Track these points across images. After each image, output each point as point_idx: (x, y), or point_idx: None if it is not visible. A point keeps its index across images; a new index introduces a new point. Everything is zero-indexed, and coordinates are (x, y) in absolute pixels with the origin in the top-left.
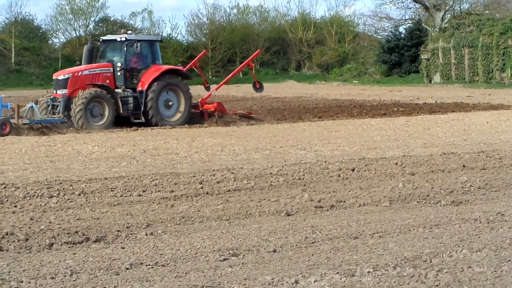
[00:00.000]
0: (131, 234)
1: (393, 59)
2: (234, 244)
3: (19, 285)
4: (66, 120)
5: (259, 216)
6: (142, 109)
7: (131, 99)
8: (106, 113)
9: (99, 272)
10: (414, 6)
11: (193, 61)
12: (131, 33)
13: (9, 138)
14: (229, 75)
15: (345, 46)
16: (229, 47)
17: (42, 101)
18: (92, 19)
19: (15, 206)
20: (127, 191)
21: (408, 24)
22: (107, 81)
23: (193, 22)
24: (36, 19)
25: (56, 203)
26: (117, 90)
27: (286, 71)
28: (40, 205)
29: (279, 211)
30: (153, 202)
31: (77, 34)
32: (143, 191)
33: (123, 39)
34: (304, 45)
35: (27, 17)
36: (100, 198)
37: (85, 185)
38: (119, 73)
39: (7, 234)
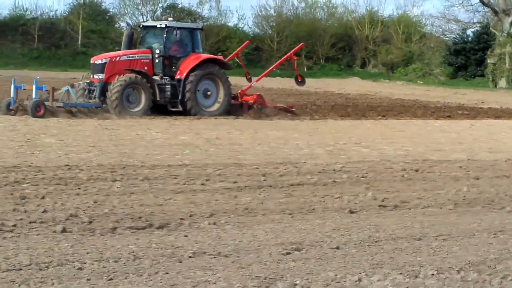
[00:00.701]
0: (194, 222)
1: (459, 61)
2: (297, 238)
3: (82, 266)
4: (101, 105)
5: (322, 212)
6: (180, 97)
7: (168, 87)
8: (143, 99)
9: (162, 258)
10: (483, 10)
11: (235, 51)
12: (172, 20)
13: (73, 120)
14: (270, 68)
15: (411, 46)
16: (295, 40)
17: (79, 85)
18: (160, 5)
19: (79, 188)
20: (191, 179)
21: (476, 28)
22: (145, 68)
23: (260, 13)
24: (104, 2)
25: (120, 187)
26: (155, 77)
27: (351, 68)
28: (104, 188)
29: (343, 208)
30: (217, 192)
31: (144, 19)
32: (207, 180)
33: (163, 25)
34: (370, 42)
35: (95, 0)
36: (163, 185)
37: (149, 171)
38: (157, 60)
39: (71, 216)
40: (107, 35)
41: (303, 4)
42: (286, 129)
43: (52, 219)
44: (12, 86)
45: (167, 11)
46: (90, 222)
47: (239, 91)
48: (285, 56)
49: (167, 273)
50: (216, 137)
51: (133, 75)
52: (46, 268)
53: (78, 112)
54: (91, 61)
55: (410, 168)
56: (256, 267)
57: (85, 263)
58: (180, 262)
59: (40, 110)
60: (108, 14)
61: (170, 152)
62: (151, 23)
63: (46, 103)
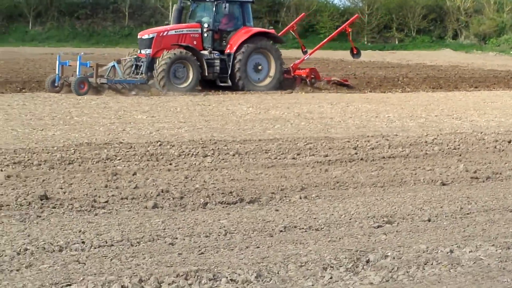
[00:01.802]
0: (285, 196)
1: None
2: (389, 211)
3: (173, 241)
4: (147, 81)
5: (413, 184)
6: (230, 72)
7: (217, 62)
8: (190, 75)
9: (253, 233)
10: None
11: (291, 24)
12: None
13: (164, 97)
14: (324, 41)
15: (503, 16)
16: (386, 13)
17: (126, 61)
18: None
19: (170, 164)
20: (281, 154)
21: None
22: (194, 42)
23: None
24: None
25: (211, 162)
26: (203, 52)
27: (443, 39)
28: (195, 164)
29: (434, 180)
30: (307, 166)
31: None
32: (297, 154)
33: None
34: (461, 13)
35: None
36: (254, 160)
37: (240, 146)
38: (206, 34)
39: (162, 192)
40: None
41: None
42: (377, 102)
43: (143, 195)
44: (57, 62)
45: None
46: (181, 198)
47: (292, 65)
48: (340, 28)
49: (258, 247)
50: (307, 111)
51: (180, 50)
52: (137, 243)
53: (123, 89)
54: (138, 36)
55: (502, 139)
56: (347, 240)
57: (176, 239)
58: (271, 236)
59: (84, 87)
60: None
61: (261, 126)
62: None
63: (90, 79)
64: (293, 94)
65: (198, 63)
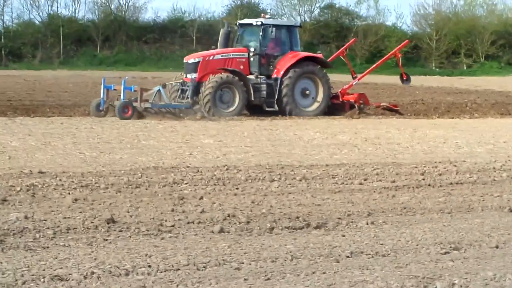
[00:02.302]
0: (351, 222)
1: None
2: (456, 237)
3: (239, 266)
4: (192, 105)
5: (481, 210)
6: (276, 96)
7: (264, 86)
8: (237, 100)
9: (319, 258)
10: None
11: (341, 49)
12: (269, 17)
13: (232, 121)
14: (373, 66)
15: None
16: (454, 38)
17: (172, 85)
18: (317, 5)
19: (237, 189)
20: (348, 179)
21: None
22: (241, 67)
23: (418, 12)
24: (262, 3)
25: (278, 187)
26: (250, 76)
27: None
28: (262, 188)
29: (502, 206)
30: (374, 191)
31: (302, 19)
32: (365, 180)
33: (259, 23)
34: None
35: (253, 1)
36: (321, 185)
37: (306, 171)
38: (252, 59)
39: (229, 216)
40: None
41: (462, 2)
42: (445, 127)
43: (210, 220)
44: (102, 86)
45: (325, 11)
46: (248, 222)
47: (340, 90)
48: (390, 54)
49: (324, 272)
50: (374, 136)
51: (226, 75)
52: (203, 268)
53: (168, 113)
54: (184, 60)
55: None
56: (414, 267)
57: (243, 263)
58: (338, 262)
59: (128, 111)
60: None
61: (328, 151)
62: (247, 20)
63: (135, 103)
64: (360, 119)
65: (245, 88)
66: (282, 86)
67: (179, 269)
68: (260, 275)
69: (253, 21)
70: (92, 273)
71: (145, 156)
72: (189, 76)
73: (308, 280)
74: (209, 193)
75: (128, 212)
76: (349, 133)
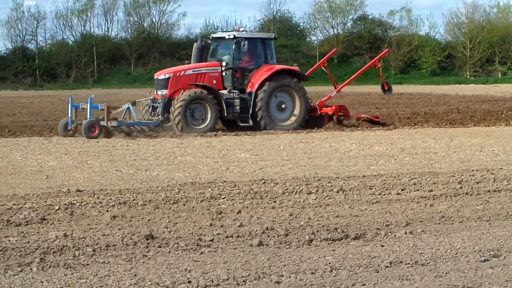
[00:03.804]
0: (390, 232)
1: None
2: (495, 245)
3: (279, 279)
4: (161, 122)
5: None
6: (251, 111)
7: (237, 101)
8: (209, 115)
9: (358, 269)
10: None
11: (321, 60)
12: (243, 31)
13: (268, 135)
14: (352, 76)
15: None
16: (488, 46)
17: (143, 102)
18: (350, 17)
19: (275, 202)
20: (386, 189)
21: None
22: (214, 81)
23: (451, 21)
24: (295, 17)
25: (315, 199)
26: (223, 91)
27: None
28: (299, 201)
29: None
30: (412, 201)
31: (335, 32)
32: (402, 190)
33: (231, 36)
34: None
35: (285, 15)
36: (358, 196)
37: (344, 182)
38: (224, 73)
39: (267, 229)
40: (299, 49)
41: (495, 10)
42: (481, 135)
43: (248, 233)
44: (70, 105)
45: (358, 22)
46: (286, 235)
47: (318, 102)
48: (369, 64)
49: (364, 284)
50: (410, 146)
51: (197, 90)
52: (243, 282)
53: (138, 132)
54: (155, 77)
55: None
56: (454, 275)
57: (282, 276)
58: (377, 272)
59: (94, 130)
60: (299, 29)
61: (365, 162)
62: (220, 34)
63: (102, 122)
64: (396, 130)
65: (217, 103)
66: (257, 100)
67: (219, 284)
68: (300, 287)
69: (225, 34)
70: None
71: (182, 172)
72: (159, 92)
73: None
74: (247, 207)
75: (167, 227)
76: (385, 144)
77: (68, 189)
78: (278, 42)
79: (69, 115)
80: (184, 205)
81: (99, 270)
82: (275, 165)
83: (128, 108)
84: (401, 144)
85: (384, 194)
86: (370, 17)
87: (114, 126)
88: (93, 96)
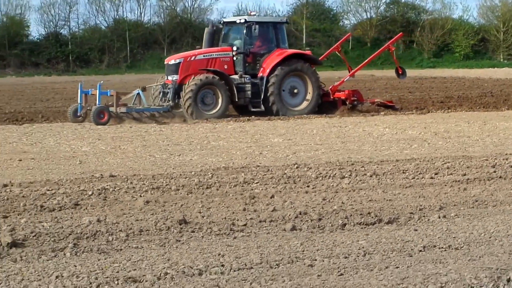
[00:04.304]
0: (423, 216)
1: None
2: None
3: (312, 263)
4: (170, 108)
5: None
6: (262, 96)
7: (249, 86)
8: (220, 101)
9: (392, 253)
10: None
11: (335, 45)
12: (254, 15)
13: (301, 120)
14: (366, 61)
15: None
16: None
17: (153, 88)
18: (383, 0)
19: (308, 186)
20: (419, 174)
21: None
22: (225, 67)
23: (485, 4)
24: (328, 1)
25: (348, 184)
26: (234, 76)
27: None
28: (332, 185)
29: None
30: (446, 185)
31: (368, 15)
32: (435, 174)
33: (242, 21)
34: None
35: None
36: (392, 180)
37: (377, 167)
38: (235, 58)
39: (300, 214)
40: (331, 33)
41: None
42: None
43: (281, 218)
44: (79, 91)
45: (391, 6)
46: (320, 219)
47: (331, 87)
48: (383, 47)
49: (397, 267)
50: (444, 130)
51: (208, 75)
52: (276, 266)
53: (147, 118)
54: (165, 62)
55: None
56: (488, 259)
57: (315, 260)
58: (411, 256)
59: (103, 116)
60: (332, 12)
61: (398, 147)
62: (231, 18)
63: (111, 109)
64: (430, 114)
65: (227, 88)
66: (268, 85)
67: (252, 268)
68: (333, 271)
69: (236, 19)
70: (166, 274)
71: (215, 156)
72: (170, 78)
73: (382, 274)
74: (280, 191)
75: (200, 212)
76: (419, 128)
77: (101, 175)
78: (311, 26)
79: (79, 101)
80: (217, 190)
81: (132, 255)
82: (308, 149)
83: (138, 94)
84: (435, 128)
85: (418, 178)
86: (403, 0)
87: (123, 112)
88: (102, 82)
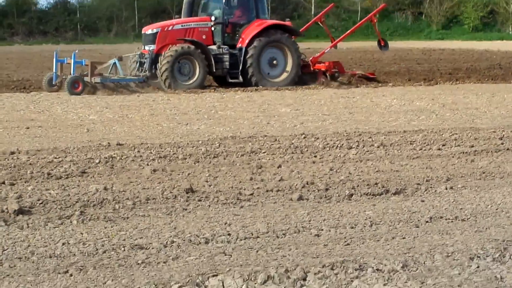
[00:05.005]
0: (430, 187)
1: None
2: None
3: (319, 233)
4: (146, 79)
5: None
6: (241, 67)
7: (226, 57)
8: (197, 71)
9: (398, 224)
10: None
11: (319, 15)
12: None
13: (308, 90)
14: (347, 32)
15: None
16: None
17: (130, 58)
18: None
19: (315, 156)
20: (426, 145)
21: None
22: (204, 37)
23: None
24: None
25: (355, 154)
26: (212, 46)
27: None
28: (340, 156)
29: None
30: (453, 157)
31: None
32: (443, 145)
33: None
34: None
35: None
36: (399, 151)
37: (384, 138)
38: (213, 28)
39: (307, 184)
40: (340, 4)
41: None
42: None
43: (288, 187)
44: (54, 60)
45: None
46: (327, 190)
47: (311, 58)
48: (365, 19)
49: (404, 237)
50: (452, 102)
51: (185, 45)
52: (283, 235)
53: (122, 88)
54: (142, 31)
55: None
56: (494, 230)
57: (322, 230)
58: (417, 227)
59: (78, 86)
60: None
61: (406, 118)
62: None
63: (86, 78)
64: (438, 85)
65: (205, 59)
66: (247, 57)
67: (258, 237)
68: (340, 241)
69: None
70: (172, 242)
71: (223, 126)
72: (147, 48)
73: (388, 244)
74: (287, 161)
75: (207, 181)
76: (427, 99)
77: (108, 143)
78: None
79: (54, 70)
80: (224, 159)
81: (139, 223)
82: (316, 120)
83: (115, 63)
84: (443, 100)
85: (425, 150)
86: None
87: (98, 82)
88: (77, 51)
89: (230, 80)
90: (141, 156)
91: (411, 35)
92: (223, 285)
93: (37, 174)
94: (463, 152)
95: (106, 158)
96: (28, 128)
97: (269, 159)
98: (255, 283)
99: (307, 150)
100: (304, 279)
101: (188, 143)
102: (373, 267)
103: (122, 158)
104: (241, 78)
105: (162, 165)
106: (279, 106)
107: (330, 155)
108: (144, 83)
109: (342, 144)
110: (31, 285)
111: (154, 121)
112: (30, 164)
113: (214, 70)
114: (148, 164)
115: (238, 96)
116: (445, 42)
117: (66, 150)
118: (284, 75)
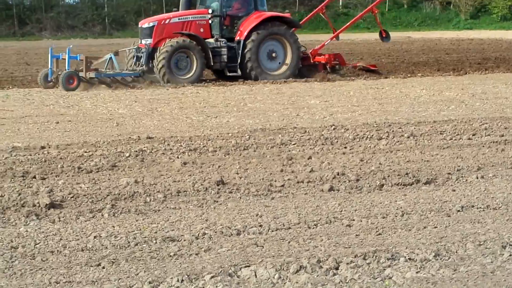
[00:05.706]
0: (461, 177)
1: None
2: None
3: (350, 223)
4: (142, 73)
5: None
6: (239, 60)
7: (224, 50)
8: (194, 65)
9: (430, 213)
10: None
11: (320, 6)
12: None
13: (338, 81)
14: (347, 24)
15: None
16: None
17: (127, 52)
18: None
19: (345, 147)
20: (457, 135)
21: None
22: (201, 30)
23: None
24: None
25: (386, 145)
26: (209, 40)
27: None
28: (370, 146)
29: None
30: (483, 146)
31: None
32: (473, 135)
33: None
34: None
35: None
36: (429, 141)
37: (414, 128)
38: (211, 21)
39: (338, 174)
40: None
41: None
42: None
43: (319, 179)
44: (49, 56)
45: None
46: (357, 180)
47: (311, 50)
48: (366, 10)
49: (435, 227)
50: (481, 91)
51: (182, 39)
52: (314, 226)
53: (119, 83)
54: (139, 25)
55: None
56: None
57: (353, 220)
58: (449, 216)
59: (73, 82)
60: None
61: (435, 108)
62: None
63: (81, 74)
64: (467, 75)
65: (203, 53)
66: (246, 50)
67: (290, 228)
68: (371, 231)
69: None
70: (204, 234)
71: (252, 118)
72: (144, 41)
73: (420, 234)
74: (317, 152)
75: (237, 173)
76: (456, 89)
77: (138, 136)
78: None
79: (49, 66)
80: (254, 151)
81: (170, 216)
82: (345, 111)
83: (111, 58)
84: (472, 90)
85: (455, 139)
86: None
87: (92, 78)
88: (71, 46)
89: (229, 74)
90: (171, 149)
91: (440, 25)
92: (255, 275)
93: (68, 168)
94: (494, 142)
95: (136, 151)
96: (57, 122)
97: (299, 151)
98: (288, 273)
99: (337, 142)
100: (337, 268)
101: (218, 136)
102: (405, 257)
103: (152, 151)
104: (239, 72)
105: (193, 157)
106: (308, 98)
107: (360, 146)
108: (140, 77)
109: (372, 135)
110: (64, 277)
111: (183, 114)
112: (61, 158)
113: (212, 64)
114: (178, 157)
115: (267, 89)
116: (474, 31)
117: (96, 144)
118: (284, 67)
